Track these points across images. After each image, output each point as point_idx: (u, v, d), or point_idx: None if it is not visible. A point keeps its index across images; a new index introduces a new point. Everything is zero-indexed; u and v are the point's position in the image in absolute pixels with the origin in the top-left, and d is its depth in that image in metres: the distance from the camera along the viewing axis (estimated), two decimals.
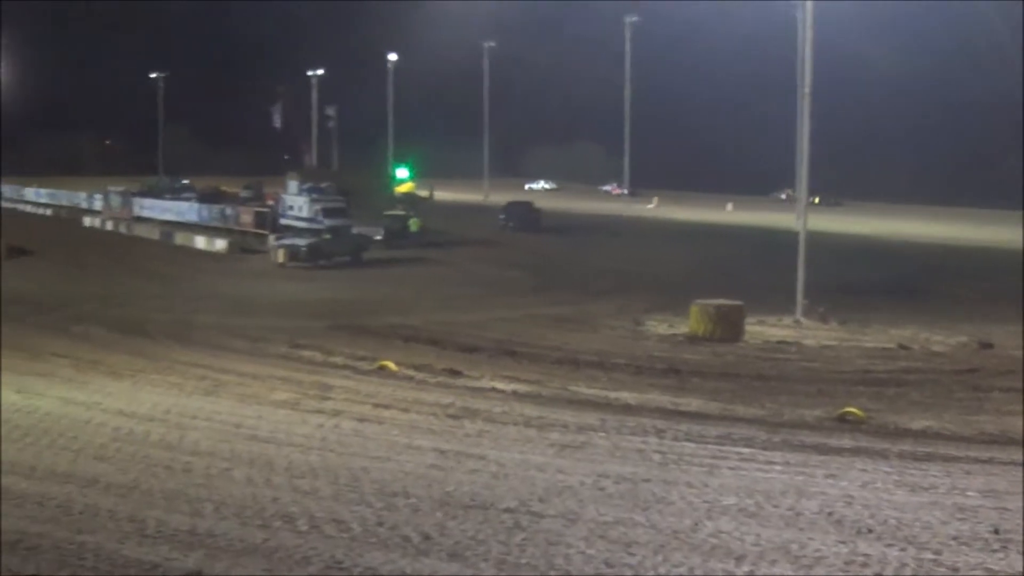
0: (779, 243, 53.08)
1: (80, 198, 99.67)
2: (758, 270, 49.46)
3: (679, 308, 36.00)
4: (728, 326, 33.85)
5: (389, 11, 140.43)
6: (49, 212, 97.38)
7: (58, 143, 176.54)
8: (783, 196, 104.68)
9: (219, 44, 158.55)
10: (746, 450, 18.98)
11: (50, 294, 43.29)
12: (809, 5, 40.68)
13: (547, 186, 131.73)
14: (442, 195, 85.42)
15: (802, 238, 39.66)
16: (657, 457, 18.37)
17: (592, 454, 18.74)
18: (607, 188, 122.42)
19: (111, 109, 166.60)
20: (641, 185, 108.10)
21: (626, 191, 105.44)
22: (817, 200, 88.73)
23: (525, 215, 74.26)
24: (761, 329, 35.80)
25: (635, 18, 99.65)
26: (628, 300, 40.32)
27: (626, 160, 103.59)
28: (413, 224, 63.24)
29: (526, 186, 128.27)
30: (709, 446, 19.27)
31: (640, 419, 21.53)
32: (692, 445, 19.23)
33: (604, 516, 14.94)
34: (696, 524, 14.38)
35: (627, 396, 24.21)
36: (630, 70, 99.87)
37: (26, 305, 39.63)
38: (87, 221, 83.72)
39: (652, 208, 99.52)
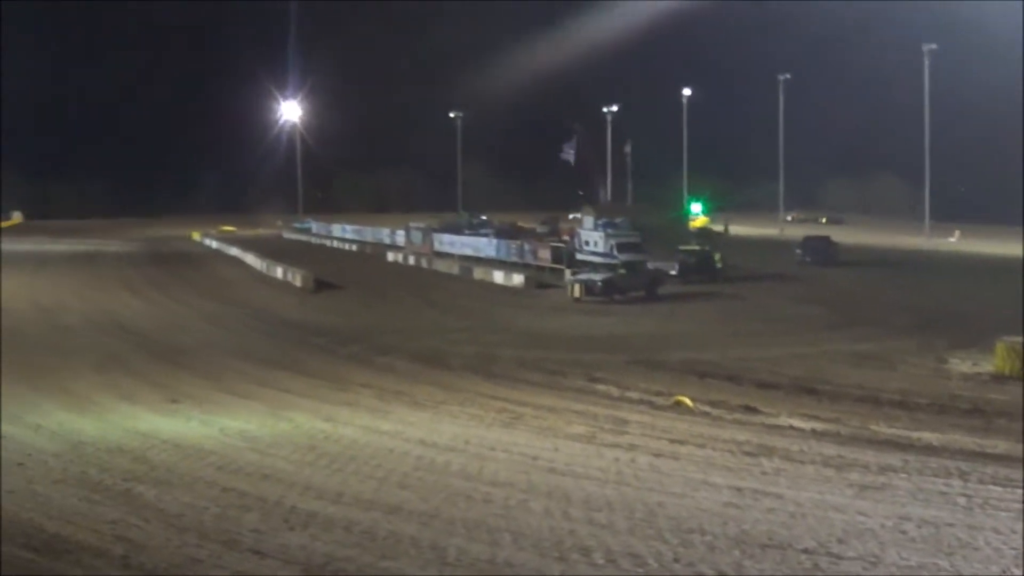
0: None
1: (383, 234, 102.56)
2: None
3: (984, 345, 34.73)
4: None
5: (683, 48, 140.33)
6: (355, 247, 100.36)
7: (363, 182, 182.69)
8: None
9: (514, 83, 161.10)
10: None
11: (355, 326, 44.62)
12: None
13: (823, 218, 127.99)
14: (737, 229, 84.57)
15: None
16: (962, 500, 17.71)
17: (893, 496, 18.16)
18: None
19: (413, 148, 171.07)
20: (945, 218, 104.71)
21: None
22: None
23: (822, 249, 72.54)
24: None
25: (933, 46, 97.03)
26: (930, 337, 39.00)
27: (926, 192, 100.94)
28: (717, 259, 62.52)
29: (822, 219, 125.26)
30: (1017, 491, 18.36)
31: (943, 461, 20.78)
32: (999, 489, 18.42)
33: (906, 560, 14.57)
34: (1003, 572, 13.84)
35: (929, 436, 23.44)
36: (929, 101, 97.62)
37: (333, 337, 41.02)
38: (390, 256, 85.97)
39: (954, 241, 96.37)
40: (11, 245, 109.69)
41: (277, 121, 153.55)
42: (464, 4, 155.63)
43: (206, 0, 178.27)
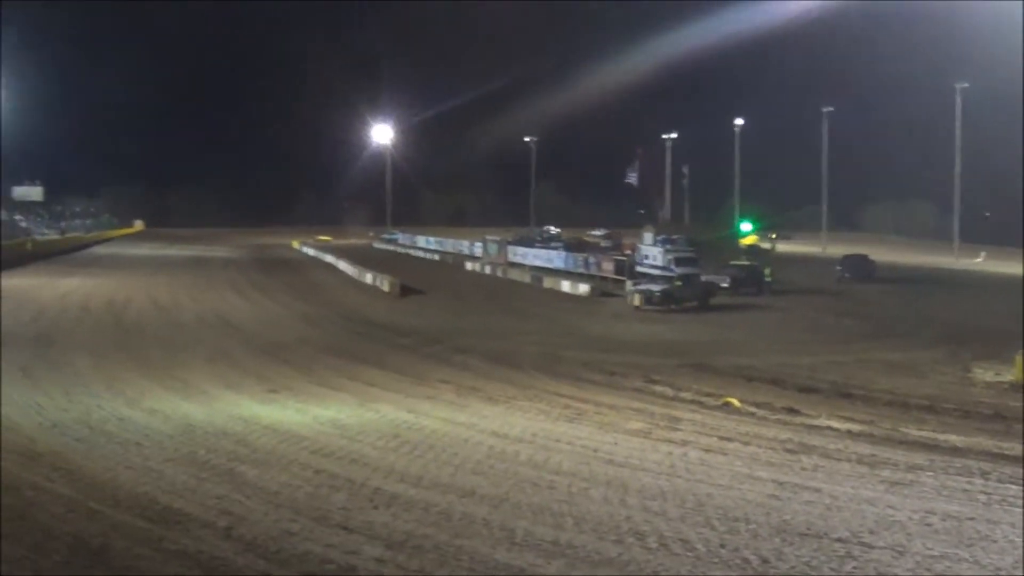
0: None
1: (463, 245, 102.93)
2: None
3: (1006, 356, 34.28)
4: None
5: (736, 81, 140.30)
6: (437, 257, 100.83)
7: (445, 198, 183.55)
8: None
9: (584, 112, 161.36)
10: None
11: (436, 328, 44.75)
12: None
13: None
14: (783, 247, 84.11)
15: None
16: (982, 497, 17.50)
17: (920, 492, 17.99)
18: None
19: (490, 169, 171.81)
20: (973, 240, 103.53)
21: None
22: None
23: (860, 266, 72.29)
24: None
25: (964, 84, 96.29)
26: (956, 348, 38.56)
27: (955, 216, 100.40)
28: (767, 273, 62.45)
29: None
30: None
31: (967, 461, 20.51)
32: (1016, 488, 18.14)
33: (930, 551, 14.46)
34: (1016, 562, 13.72)
35: (954, 439, 23.15)
36: (961, 132, 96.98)
37: (416, 337, 41.18)
38: (468, 265, 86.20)
39: (979, 262, 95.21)
40: (133, 249, 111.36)
41: (370, 143, 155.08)
42: (538, 40, 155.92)
43: (313, 36, 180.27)
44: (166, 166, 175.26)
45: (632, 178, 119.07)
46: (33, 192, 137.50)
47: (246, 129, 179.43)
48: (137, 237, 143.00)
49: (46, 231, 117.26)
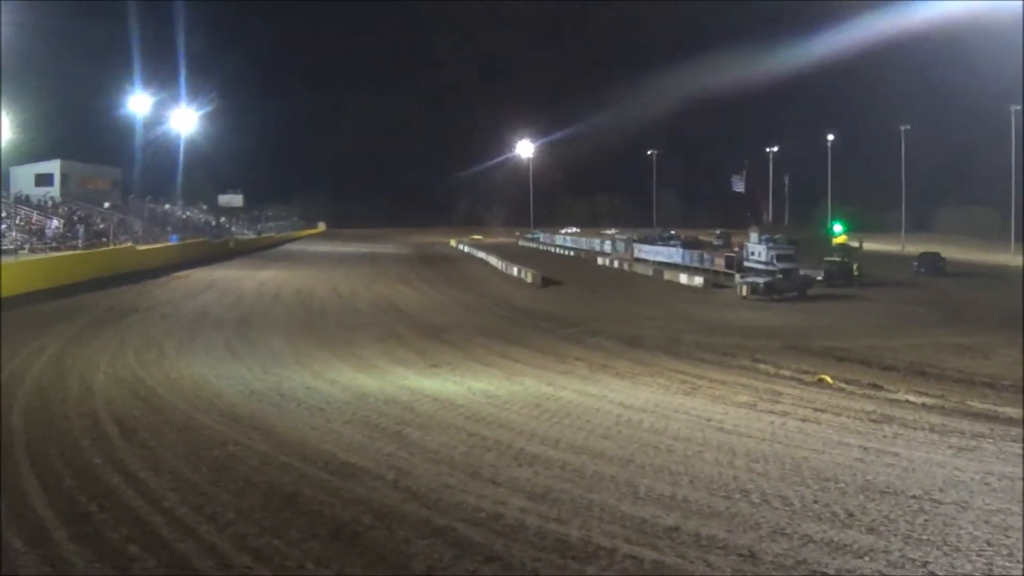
0: None
1: (594, 243, 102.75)
2: None
3: None
4: None
5: (830, 100, 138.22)
6: (572, 253, 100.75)
7: (579, 201, 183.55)
8: None
9: (698, 127, 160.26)
10: None
11: (572, 314, 44.76)
12: None
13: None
14: (869, 246, 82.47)
15: None
16: None
17: (982, 456, 17.79)
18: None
19: (618, 177, 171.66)
20: None
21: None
22: None
23: (934, 262, 71.43)
24: None
25: (1018, 107, 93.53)
26: (1015, 333, 37.32)
27: (1012, 219, 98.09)
28: (855, 268, 61.81)
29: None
30: None
31: (1021, 430, 20.10)
32: None
33: (989, 506, 14.43)
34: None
35: (1011, 411, 22.50)
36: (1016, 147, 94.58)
37: (555, 321, 41.26)
38: (599, 261, 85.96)
39: None
40: (316, 247, 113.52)
41: (515, 155, 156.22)
42: (661, 67, 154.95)
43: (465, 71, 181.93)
44: (345, 176, 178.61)
45: (739, 186, 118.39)
46: (235, 199, 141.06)
47: (411, 145, 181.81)
48: (320, 237, 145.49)
49: (246, 232, 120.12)
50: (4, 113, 63.26)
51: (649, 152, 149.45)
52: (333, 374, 26.21)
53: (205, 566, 11.55)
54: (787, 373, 28.41)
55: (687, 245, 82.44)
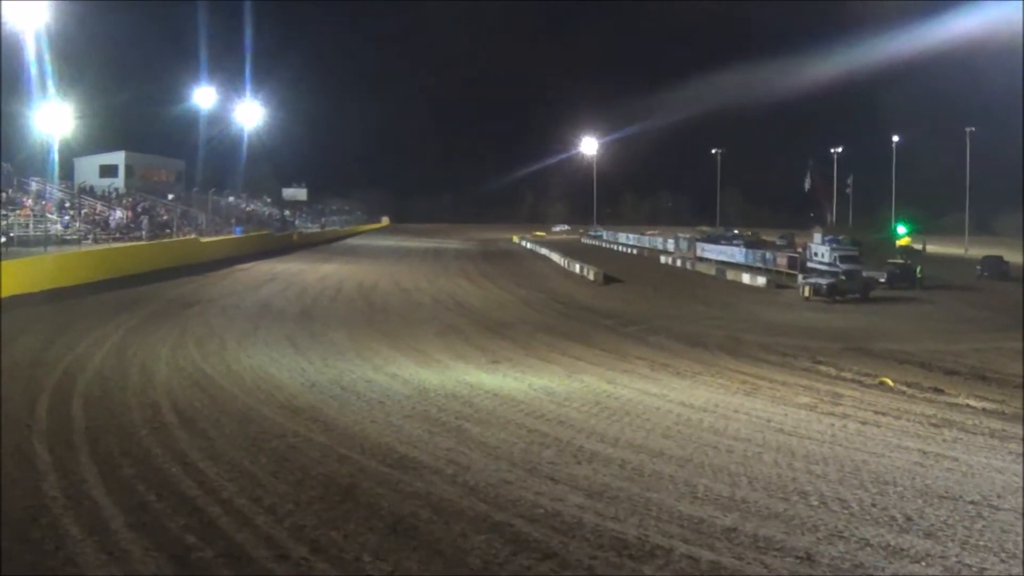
0: None
1: (657, 241, 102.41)
2: None
3: None
4: None
5: (893, 101, 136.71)
6: (634, 251, 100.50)
7: (642, 201, 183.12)
8: None
9: (763, 128, 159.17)
10: None
11: (634, 312, 44.63)
12: None
13: None
14: (931, 248, 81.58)
15: None
16: None
17: None
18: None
19: (681, 176, 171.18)
20: None
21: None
22: None
23: (997, 266, 70.30)
24: None
25: None
26: None
27: None
28: (918, 270, 61.12)
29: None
30: None
31: None
32: None
33: None
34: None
35: None
36: None
37: (616, 319, 41.17)
38: (662, 259, 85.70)
39: None
40: (379, 241, 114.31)
41: (578, 153, 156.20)
42: (726, 67, 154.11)
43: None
44: (408, 171, 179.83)
45: (808, 183, 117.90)
46: (299, 193, 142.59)
47: (475, 143, 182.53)
48: (383, 231, 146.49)
49: (309, 225, 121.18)
50: (68, 104, 64.26)
51: (713, 151, 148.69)
52: (394, 368, 26.28)
53: (261, 556, 11.59)
54: (848, 375, 28.11)
55: (750, 245, 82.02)
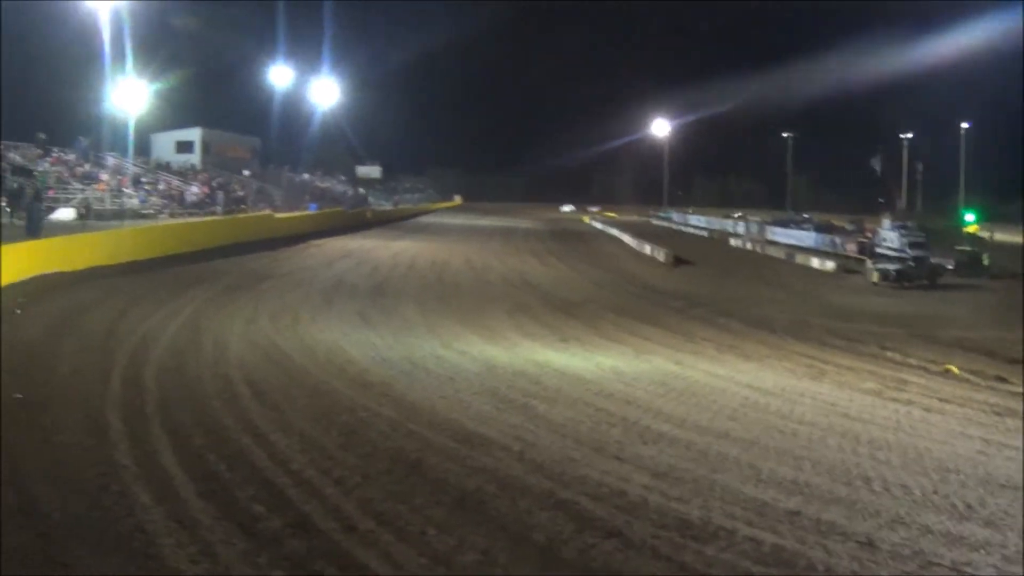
0: None
1: (727, 224, 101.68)
2: None
3: None
4: None
5: (963, 88, 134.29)
6: (705, 234, 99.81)
7: (712, 183, 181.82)
8: None
9: (834, 113, 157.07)
10: None
11: (702, 294, 44.29)
12: None
13: None
14: (1000, 237, 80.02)
15: None
16: None
17: None
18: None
19: (752, 159, 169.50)
20: None
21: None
22: None
23: None
24: None
25: None
26: None
27: None
28: (985, 259, 59.96)
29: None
30: None
31: None
32: None
33: None
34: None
35: None
36: None
37: (685, 301, 40.89)
38: (732, 242, 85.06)
39: None
40: (451, 219, 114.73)
41: (650, 135, 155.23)
42: (799, 52, 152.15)
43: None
44: (480, 151, 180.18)
45: (875, 170, 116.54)
46: (373, 171, 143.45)
47: (545, 117, 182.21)
48: (455, 210, 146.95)
49: (382, 203, 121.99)
50: (145, 81, 65.17)
51: (784, 135, 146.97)
52: (463, 345, 26.37)
53: (329, 527, 11.76)
54: (914, 362, 27.65)
55: (820, 229, 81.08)
